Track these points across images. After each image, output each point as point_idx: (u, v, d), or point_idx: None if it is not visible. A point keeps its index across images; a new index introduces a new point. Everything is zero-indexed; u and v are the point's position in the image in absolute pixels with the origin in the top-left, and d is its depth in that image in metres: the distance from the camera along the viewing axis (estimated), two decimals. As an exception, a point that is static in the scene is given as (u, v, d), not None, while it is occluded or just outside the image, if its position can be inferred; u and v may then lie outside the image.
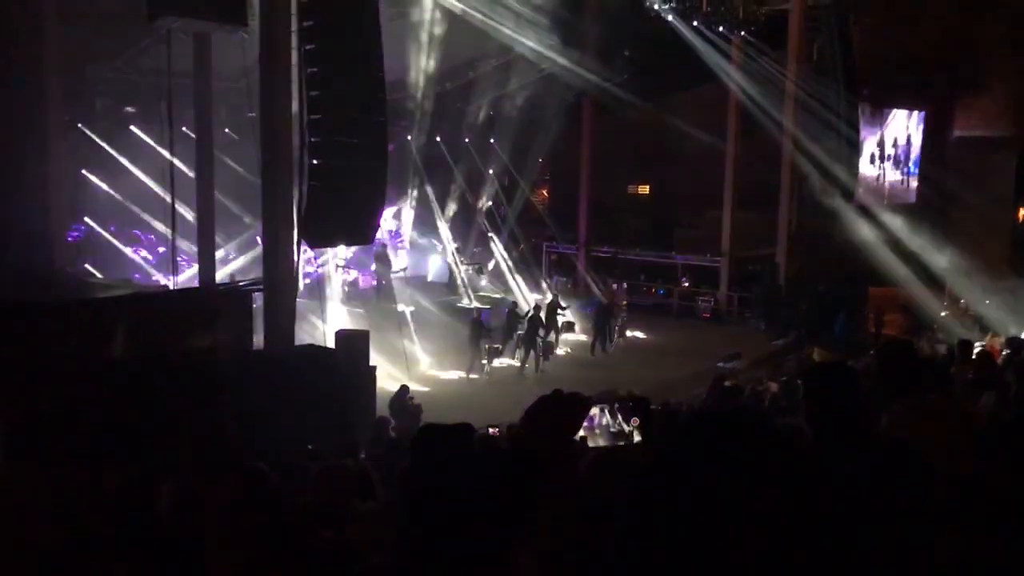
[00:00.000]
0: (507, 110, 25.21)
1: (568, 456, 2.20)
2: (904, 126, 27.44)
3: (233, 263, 20.62)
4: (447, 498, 1.79)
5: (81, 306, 12.27)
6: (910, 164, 27.79)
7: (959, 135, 27.82)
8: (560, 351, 21.08)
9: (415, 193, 24.53)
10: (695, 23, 23.58)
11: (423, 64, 22.01)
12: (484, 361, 18.93)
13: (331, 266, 20.24)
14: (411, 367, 17.58)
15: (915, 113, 27.59)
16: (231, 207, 19.60)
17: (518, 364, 19.30)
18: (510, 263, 24.63)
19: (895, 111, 26.92)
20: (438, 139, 24.88)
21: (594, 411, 6.55)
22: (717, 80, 24.75)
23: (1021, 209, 27.94)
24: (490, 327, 19.58)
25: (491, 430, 9.99)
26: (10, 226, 13.46)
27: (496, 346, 19.45)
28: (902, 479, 2.18)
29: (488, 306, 21.59)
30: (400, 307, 20.37)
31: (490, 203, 26.17)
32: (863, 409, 2.89)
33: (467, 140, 25.80)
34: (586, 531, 2.25)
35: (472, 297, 22.61)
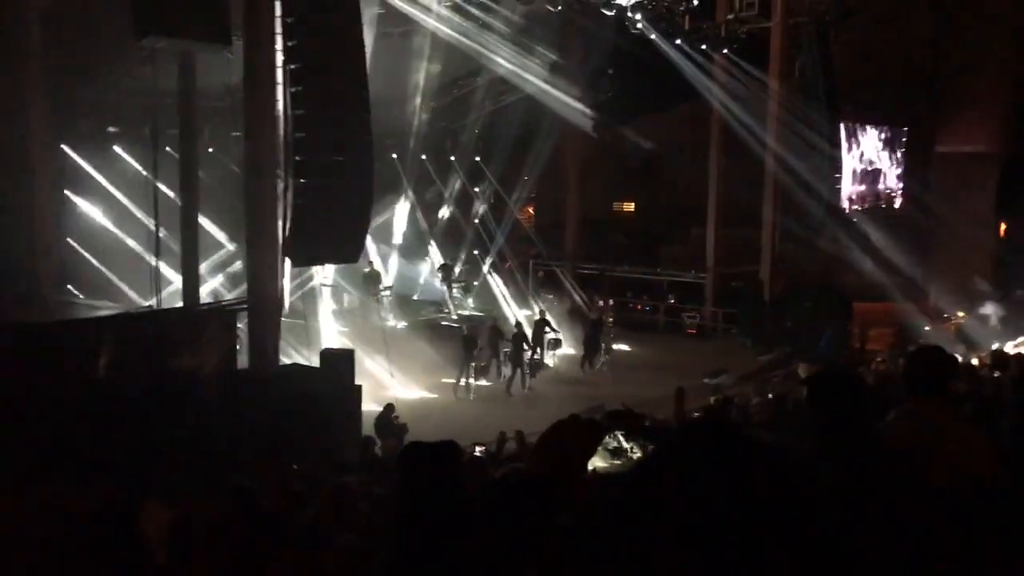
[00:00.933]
0: (493, 128, 25.30)
1: (581, 483, 2.17)
2: (886, 143, 27.68)
3: (208, 283, 20.40)
4: (438, 519, 1.76)
5: (65, 327, 12.18)
6: (892, 180, 28.02)
7: (941, 151, 28.05)
8: (547, 363, 21.10)
9: (403, 211, 24.53)
10: (677, 41, 23.75)
11: (410, 82, 22.09)
12: (471, 379, 18.87)
13: (316, 284, 20.14)
14: (397, 386, 17.51)
15: (897, 130, 27.85)
16: (207, 226, 19.44)
17: (503, 383, 19.24)
18: (498, 281, 24.63)
19: (877, 128, 27.15)
20: (423, 157, 24.92)
21: None
22: (700, 98, 24.91)
23: (1003, 225, 28.16)
24: (476, 345, 19.55)
25: (477, 449, 9.95)
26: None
27: (482, 364, 19.40)
28: (898, 491, 2.18)
29: (474, 324, 21.57)
30: (386, 325, 20.28)
31: (477, 221, 26.20)
32: (867, 418, 2.89)
33: (453, 158, 25.85)
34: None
35: (459, 315, 22.60)
